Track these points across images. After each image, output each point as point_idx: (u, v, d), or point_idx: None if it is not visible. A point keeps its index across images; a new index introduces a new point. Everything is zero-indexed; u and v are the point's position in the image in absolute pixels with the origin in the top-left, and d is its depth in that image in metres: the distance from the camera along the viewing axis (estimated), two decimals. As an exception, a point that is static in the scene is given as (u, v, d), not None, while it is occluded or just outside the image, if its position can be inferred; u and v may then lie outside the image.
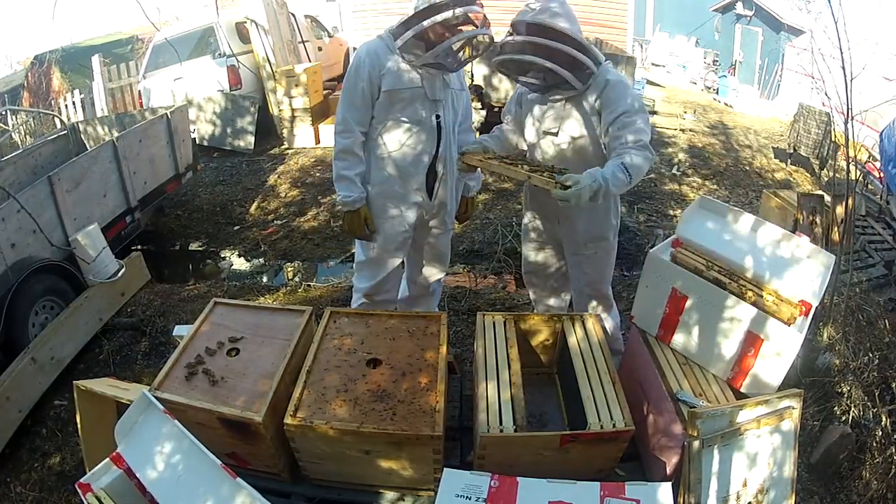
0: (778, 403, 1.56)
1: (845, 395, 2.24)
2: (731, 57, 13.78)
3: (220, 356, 1.84)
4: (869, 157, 5.71)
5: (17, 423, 2.49)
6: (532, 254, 2.37)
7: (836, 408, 2.23)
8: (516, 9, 1.93)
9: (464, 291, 3.49)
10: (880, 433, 2.08)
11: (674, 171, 5.85)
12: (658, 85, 10.38)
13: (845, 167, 2.95)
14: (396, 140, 2.06)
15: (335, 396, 1.69)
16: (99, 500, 1.29)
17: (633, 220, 4.72)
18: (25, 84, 9.68)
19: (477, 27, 1.93)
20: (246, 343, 1.89)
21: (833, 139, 5.62)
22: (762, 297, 1.71)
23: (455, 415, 2.03)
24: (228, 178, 5.87)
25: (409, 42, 1.91)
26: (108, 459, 1.38)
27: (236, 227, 5.01)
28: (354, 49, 8.23)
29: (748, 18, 13.65)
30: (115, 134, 4.10)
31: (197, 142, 6.20)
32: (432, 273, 2.44)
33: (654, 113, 7.88)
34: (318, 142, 6.46)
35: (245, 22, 6.67)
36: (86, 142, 4.59)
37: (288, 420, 1.60)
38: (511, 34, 1.90)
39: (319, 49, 7.82)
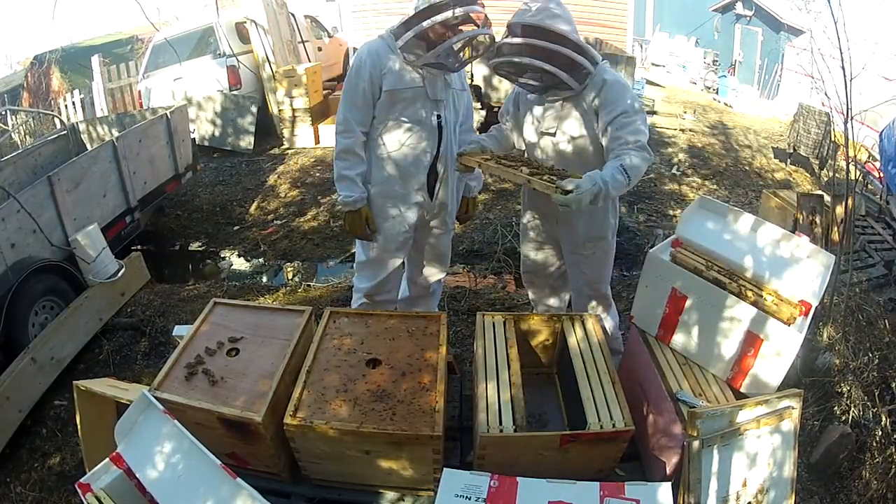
0: (778, 403, 1.56)
1: (845, 395, 2.24)
2: (730, 57, 13.78)
3: (219, 356, 1.84)
4: (869, 157, 5.71)
5: (17, 423, 2.49)
6: (531, 253, 2.37)
7: (836, 408, 2.23)
8: (516, 9, 1.92)
9: (464, 291, 3.49)
10: (880, 433, 2.08)
11: (674, 171, 5.85)
12: (658, 85, 10.38)
13: (845, 167, 2.95)
14: (397, 140, 2.06)
15: (335, 396, 1.69)
16: (99, 500, 1.29)
17: (632, 220, 4.72)
18: (25, 84, 9.68)
19: (478, 27, 1.93)
20: (246, 343, 1.89)
21: (833, 139, 5.61)
22: (762, 297, 1.71)
23: (455, 415, 2.03)
24: (228, 178, 5.87)
25: (410, 42, 1.91)
26: (107, 459, 1.38)
27: (236, 227, 5.01)
28: (354, 49, 8.22)
29: (748, 18, 13.65)
30: (115, 134, 4.10)
31: (197, 142, 6.19)
32: (433, 273, 2.44)
33: (654, 113, 7.88)
34: (317, 142, 6.47)
35: (245, 22, 6.67)
36: (86, 142, 4.59)
37: (288, 420, 1.60)
38: (507, 36, 1.90)
39: (319, 49, 7.82)
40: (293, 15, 7.09)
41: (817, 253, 1.80)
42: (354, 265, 2.36)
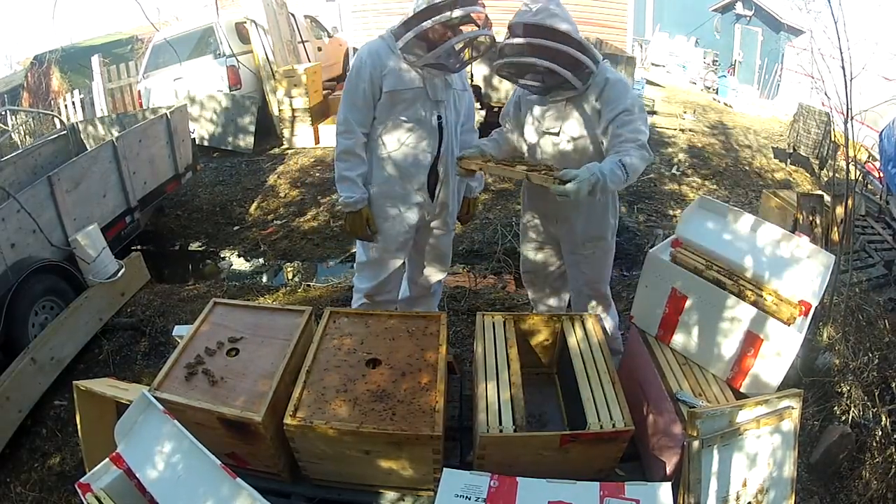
0: (778, 403, 1.56)
1: (845, 395, 2.24)
2: (730, 57, 13.78)
3: (219, 356, 1.84)
4: (869, 157, 5.71)
5: (17, 423, 2.49)
6: (531, 254, 2.37)
7: (836, 408, 2.23)
8: (516, 9, 1.92)
9: (464, 291, 3.49)
10: (880, 433, 2.08)
11: (673, 171, 5.85)
12: (658, 85, 10.38)
13: (845, 167, 2.95)
14: (398, 140, 2.06)
15: (335, 396, 1.69)
16: (99, 500, 1.29)
17: (632, 220, 4.72)
18: (25, 84, 9.68)
19: (479, 27, 1.93)
20: (246, 343, 1.89)
21: (833, 139, 5.61)
22: (762, 297, 1.71)
23: (455, 415, 2.03)
24: (228, 178, 5.87)
25: (411, 42, 1.91)
26: (107, 459, 1.38)
27: (236, 227, 5.01)
28: (354, 49, 8.23)
29: (748, 18, 13.65)
30: (115, 134, 4.10)
31: (197, 142, 6.19)
32: (433, 274, 2.44)
33: (654, 113, 7.89)
34: (317, 142, 6.47)
35: (245, 22, 6.67)
36: (86, 142, 4.59)
37: (287, 420, 1.60)
38: (510, 37, 1.90)
39: (319, 49, 7.82)
40: (293, 15, 7.10)
41: (817, 253, 1.80)
42: (355, 265, 2.36)
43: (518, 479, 1.43)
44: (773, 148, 7.17)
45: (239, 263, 4.59)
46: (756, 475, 1.54)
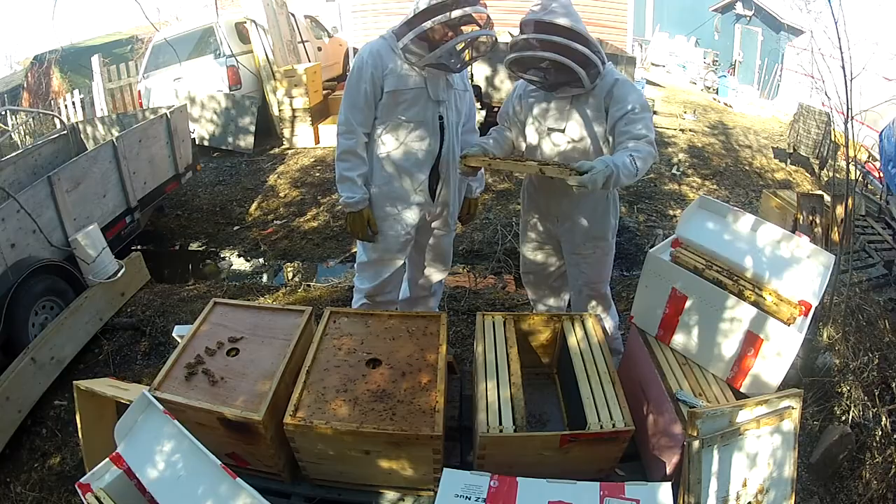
0: (778, 403, 1.56)
1: (845, 395, 2.24)
2: (730, 57, 13.79)
3: (219, 356, 1.84)
4: (869, 157, 5.71)
5: (17, 423, 2.49)
6: (531, 253, 2.37)
7: (836, 408, 2.23)
8: (517, 9, 1.93)
9: (464, 291, 3.49)
10: (880, 433, 2.08)
11: (674, 171, 5.86)
12: (658, 85, 10.39)
13: (845, 167, 2.95)
14: (399, 141, 2.05)
15: (335, 396, 1.69)
16: (99, 500, 1.29)
17: (633, 220, 4.72)
18: (25, 84, 9.68)
19: (480, 27, 1.93)
20: (246, 343, 1.89)
21: (833, 139, 5.61)
22: (762, 297, 1.71)
23: (455, 415, 2.03)
24: (228, 178, 5.87)
25: (412, 42, 1.91)
26: (108, 459, 1.38)
27: (236, 227, 5.01)
28: (355, 49, 8.23)
29: (748, 18, 13.66)
30: (115, 134, 4.10)
31: (197, 142, 6.20)
32: (434, 274, 2.44)
33: (655, 113, 7.88)
34: (317, 142, 6.47)
35: (245, 22, 6.67)
36: (86, 142, 4.59)
37: (287, 420, 1.60)
38: (522, 33, 1.90)
39: (319, 49, 7.82)
40: (293, 15, 7.10)
41: (817, 253, 1.80)
42: (355, 265, 2.36)
43: (518, 479, 1.43)
44: (773, 148, 7.18)
45: (239, 263, 4.59)
46: (756, 475, 1.54)
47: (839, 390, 2.27)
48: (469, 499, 1.39)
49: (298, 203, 5.26)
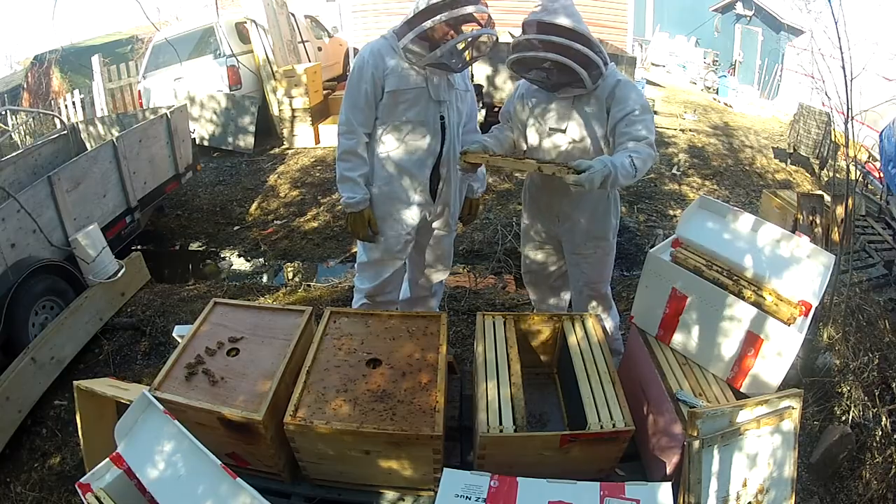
0: (778, 403, 1.56)
1: (845, 395, 2.24)
2: (731, 57, 13.79)
3: (219, 356, 1.84)
4: (869, 157, 5.72)
5: (17, 423, 2.49)
6: (531, 253, 2.37)
7: (836, 408, 2.23)
8: (517, 9, 1.93)
9: (464, 291, 3.48)
10: (880, 433, 2.08)
11: (674, 171, 5.86)
12: (658, 85, 10.39)
13: (845, 167, 2.95)
14: (400, 141, 2.05)
15: (335, 396, 1.69)
16: (99, 500, 1.29)
17: (633, 220, 4.72)
18: (25, 84, 9.69)
19: (481, 27, 1.93)
20: (246, 343, 1.89)
21: (833, 139, 5.61)
22: (762, 296, 1.71)
23: (455, 415, 2.03)
24: (228, 178, 5.87)
25: (413, 42, 1.91)
26: (108, 459, 1.38)
27: (236, 227, 5.01)
28: (355, 50, 8.23)
29: (748, 18, 13.66)
30: (115, 134, 4.10)
31: (197, 142, 6.20)
32: (435, 274, 2.44)
33: (655, 113, 7.88)
34: (318, 142, 6.47)
35: (245, 22, 6.67)
36: (86, 142, 4.59)
37: (288, 420, 1.60)
38: (524, 33, 1.90)
39: (319, 49, 7.82)
40: (293, 15, 7.10)
41: (817, 253, 1.80)
42: (356, 266, 2.35)
43: (518, 479, 1.43)
44: (773, 148, 7.18)
45: (239, 263, 4.59)
46: (756, 475, 1.54)
47: (839, 390, 2.27)
48: (469, 499, 1.39)
49: (298, 203, 5.26)
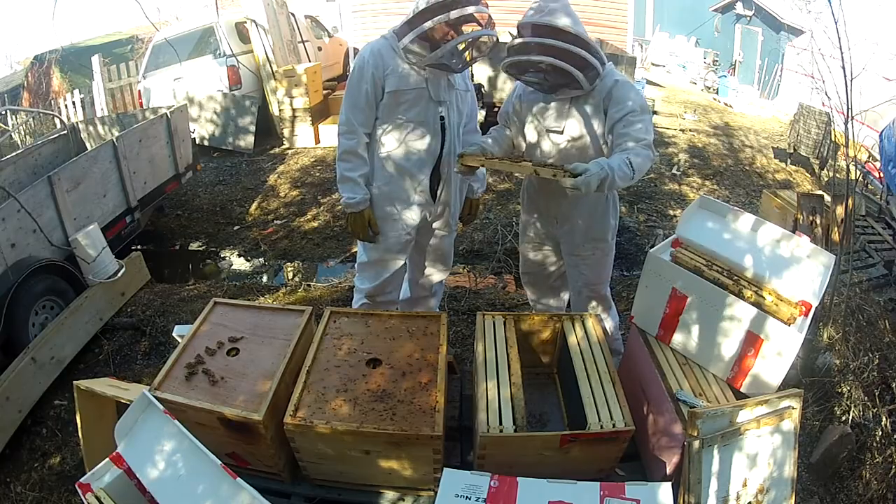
0: (778, 403, 1.56)
1: (845, 395, 2.24)
2: (731, 57, 13.79)
3: (219, 356, 1.84)
4: (869, 157, 5.72)
5: (17, 423, 2.49)
6: (530, 254, 2.37)
7: (836, 408, 2.23)
8: (518, 8, 1.93)
9: (464, 291, 3.49)
10: (880, 433, 2.08)
11: (674, 171, 5.86)
12: (658, 85, 10.39)
13: (845, 167, 2.95)
14: (400, 141, 2.05)
15: (335, 396, 1.69)
16: (99, 500, 1.29)
17: (633, 220, 4.72)
18: (25, 84, 9.69)
19: (482, 27, 1.93)
20: (246, 343, 1.89)
21: (833, 139, 5.62)
22: (762, 296, 1.71)
23: (455, 415, 2.03)
24: (228, 178, 5.87)
25: (413, 42, 1.90)
26: (108, 459, 1.38)
27: (236, 227, 5.01)
28: (355, 49, 8.23)
29: (748, 18, 13.67)
30: (115, 134, 4.10)
31: (197, 142, 6.20)
32: (435, 274, 2.44)
33: (655, 113, 7.89)
34: (318, 142, 6.47)
35: (245, 22, 6.67)
36: (86, 142, 4.59)
37: (288, 420, 1.60)
38: (519, 35, 1.90)
39: (319, 49, 7.82)
40: (293, 15, 7.10)
41: (817, 253, 1.80)
42: (356, 265, 2.36)
43: (518, 479, 1.43)
44: (773, 148, 7.18)
45: (239, 263, 4.59)
46: (756, 475, 1.54)
47: (839, 390, 2.27)
48: (469, 499, 1.39)
49: (299, 203, 5.26)
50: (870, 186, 5.27)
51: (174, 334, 2.54)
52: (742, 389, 1.78)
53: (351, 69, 2.07)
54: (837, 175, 4.11)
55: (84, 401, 1.85)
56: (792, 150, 6.76)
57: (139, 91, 7.14)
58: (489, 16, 1.93)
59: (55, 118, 5.86)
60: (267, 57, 6.40)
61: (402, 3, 7.54)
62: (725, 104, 10.11)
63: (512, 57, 1.91)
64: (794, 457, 1.58)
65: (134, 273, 3.34)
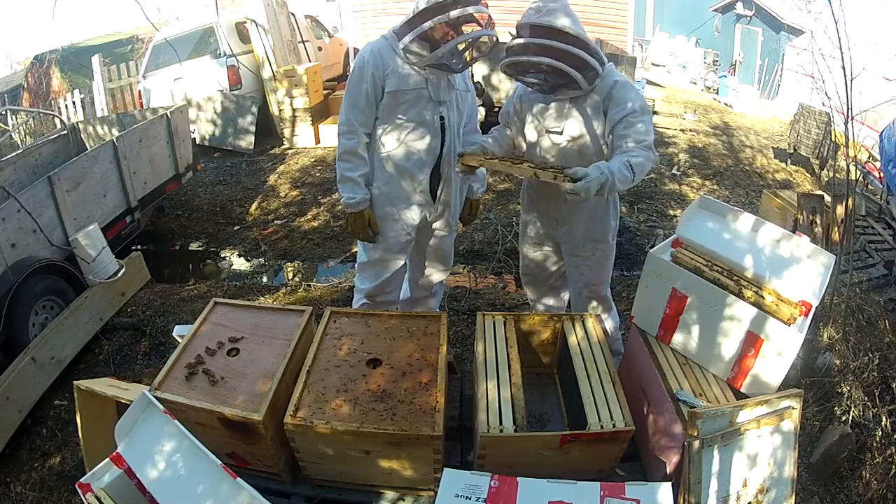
0: (778, 403, 1.56)
1: (845, 395, 2.24)
2: (731, 57, 13.79)
3: (220, 356, 1.84)
4: (869, 157, 5.72)
5: (17, 423, 2.49)
6: (530, 254, 2.37)
7: (836, 408, 2.23)
8: (518, 8, 1.92)
9: (464, 291, 3.49)
10: (880, 433, 2.08)
11: (674, 171, 5.86)
12: (658, 85, 10.39)
13: (845, 167, 2.95)
14: (400, 141, 2.05)
15: (335, 396, 1.69)
16: (99, 500, 1.29)
17: (633, 220, 4.72)
18: (25, 84, 9.70)
19: (482, 27, 1.93)
20: (246, 343, 1.89)
21: (833, 139, 5.62)
22: (762, 296, 1.71)
23: (455, 415, 2.03)
24: (228, 178, 5.87)
25: (413, 42, 1.90)
26: (108, 459, 1.38)
27: (236, 227, 5.01)
28: (355, 49, 8.23)
29: (748, 18, 13.67)
30: (116, 134, 4.10)
31: (197, 142, 6.20)
32: (435, 274, 2.44)
33: (655, 113, 7.89)
34: (318, 142, 6.47)
35: (245, 22, 6.67)
36: (86, 142, 4.60)
37: (288, 420, 1.60)
38: (518, 36, 1.89)
39: (319, 49, 7.82)
40: (293, 15, 7.10)
41: (817, 253, 1.80)
42: (356, 266, 2.35)
43: (518, 479, 1.43)
44: (773, 148, 7.18)
45: (239, 263, 4.59)
46: (756, 475, 1.54)
47: (839, 390, 2.27)
48: (469, 499, 1.39)
49: (299, 203, 5.26)
50: (870, 186, 5.27)
51: (174, 334, 2.54)
52: (742, 389, 1.78)
53: (351, 69, 2.07)
54: (837, 175, 4.10)
55: (84, 401, 1.85)
56: (792, 150, 6.76)
57: (139, 91, 7.14)
58: (489, 16, 1.93)
59: (55, 118, 5.86)
60: (267, 57, 6.41)
61: (402, 3, 7.54)
62: (725, 104, 10.11)
63: (511, 57, 1.91)
64: (794, 457, 1.58)
65: (134, 273, 3.34)
